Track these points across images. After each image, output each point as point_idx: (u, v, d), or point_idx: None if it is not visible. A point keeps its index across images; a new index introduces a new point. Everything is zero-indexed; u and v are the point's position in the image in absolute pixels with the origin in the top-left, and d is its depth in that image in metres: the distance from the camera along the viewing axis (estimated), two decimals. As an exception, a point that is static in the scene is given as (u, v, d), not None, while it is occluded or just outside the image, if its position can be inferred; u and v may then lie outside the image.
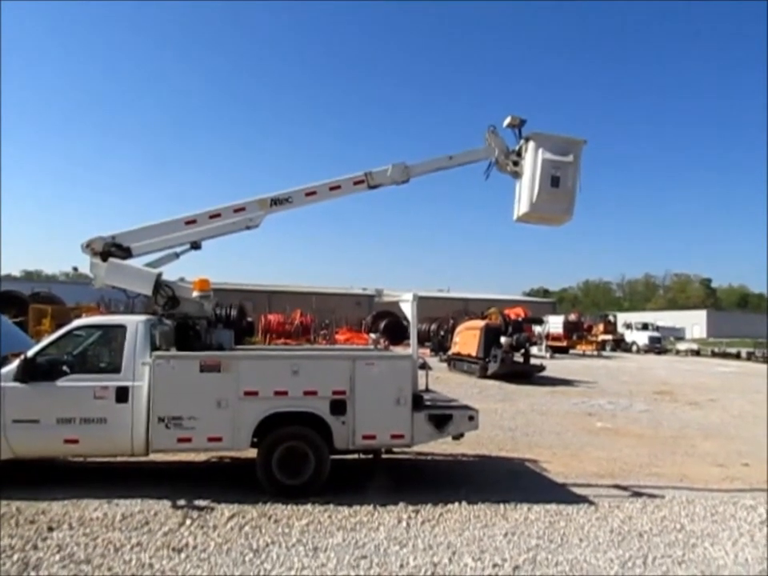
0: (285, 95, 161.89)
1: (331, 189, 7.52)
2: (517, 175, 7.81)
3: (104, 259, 6.95)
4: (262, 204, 7.37)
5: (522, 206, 7.71)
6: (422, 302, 7.34)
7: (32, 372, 6.12)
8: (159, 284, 6.99)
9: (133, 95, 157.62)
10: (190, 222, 7.28)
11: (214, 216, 7.32)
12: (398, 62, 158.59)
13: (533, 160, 7.55)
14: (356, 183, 7.56)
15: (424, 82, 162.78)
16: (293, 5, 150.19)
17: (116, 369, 6.29)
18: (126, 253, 7.07)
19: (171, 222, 7.28)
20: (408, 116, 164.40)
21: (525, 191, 7.63)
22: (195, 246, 7.39)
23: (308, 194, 7.49)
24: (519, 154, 7.78)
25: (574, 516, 5.95)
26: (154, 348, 6.39)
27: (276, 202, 7.39)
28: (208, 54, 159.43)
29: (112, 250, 6.99)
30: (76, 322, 6.86)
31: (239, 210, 7.35)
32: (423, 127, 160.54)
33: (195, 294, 7.12)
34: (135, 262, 7.18)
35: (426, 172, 7.80)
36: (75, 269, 7.60)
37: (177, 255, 7.50)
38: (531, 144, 7.62)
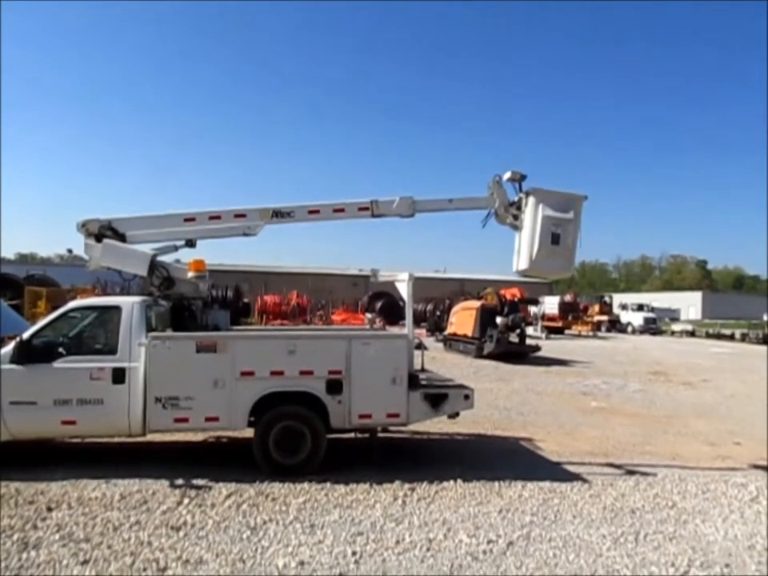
0: (296, 102, 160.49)
1: (335, 211, 7.46)
2: (516, 228, 7.67)
3: (98, 240, 6.90)
4: (263, 214, 7.30)
5: (521, 262, 7.59)
6: (417, 282, 7.36)
7: (28, 354, 6.12)
8: (154, 265, 6.96)
9: (137, 86, 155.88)
10: (189, 219, 7.21)
11: (214, 217, 7.26)
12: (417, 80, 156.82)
13: (533, 216, 7.40)
14: (360, 209, 7.46)
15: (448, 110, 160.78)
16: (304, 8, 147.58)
17: (112, 350, 6.29)
18: (121, 239, 7.02)
19: (170, 215, 7.23)
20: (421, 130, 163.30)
21: (524, 247, 7.50)
22: (190, 243, 7.32)
23: (311, 212, 7.44)
24: (519, 207, 7.63)
25: (568, 493, 6.03)
26: (149, 329, 6.38)
27: (277, 213, 7.32)
28: (223, 59, 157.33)
29: (107, 233, 6.94)
30: (71, 304, 6.84)
31: (240, 215, 7.29)
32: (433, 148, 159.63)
33: (191, 274, 7.11)
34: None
35: (429, 210, 7.72)
36: (70, 251, 7.53)
37: (176, 248, 7.43)
38: (531, 199, 7.45)
